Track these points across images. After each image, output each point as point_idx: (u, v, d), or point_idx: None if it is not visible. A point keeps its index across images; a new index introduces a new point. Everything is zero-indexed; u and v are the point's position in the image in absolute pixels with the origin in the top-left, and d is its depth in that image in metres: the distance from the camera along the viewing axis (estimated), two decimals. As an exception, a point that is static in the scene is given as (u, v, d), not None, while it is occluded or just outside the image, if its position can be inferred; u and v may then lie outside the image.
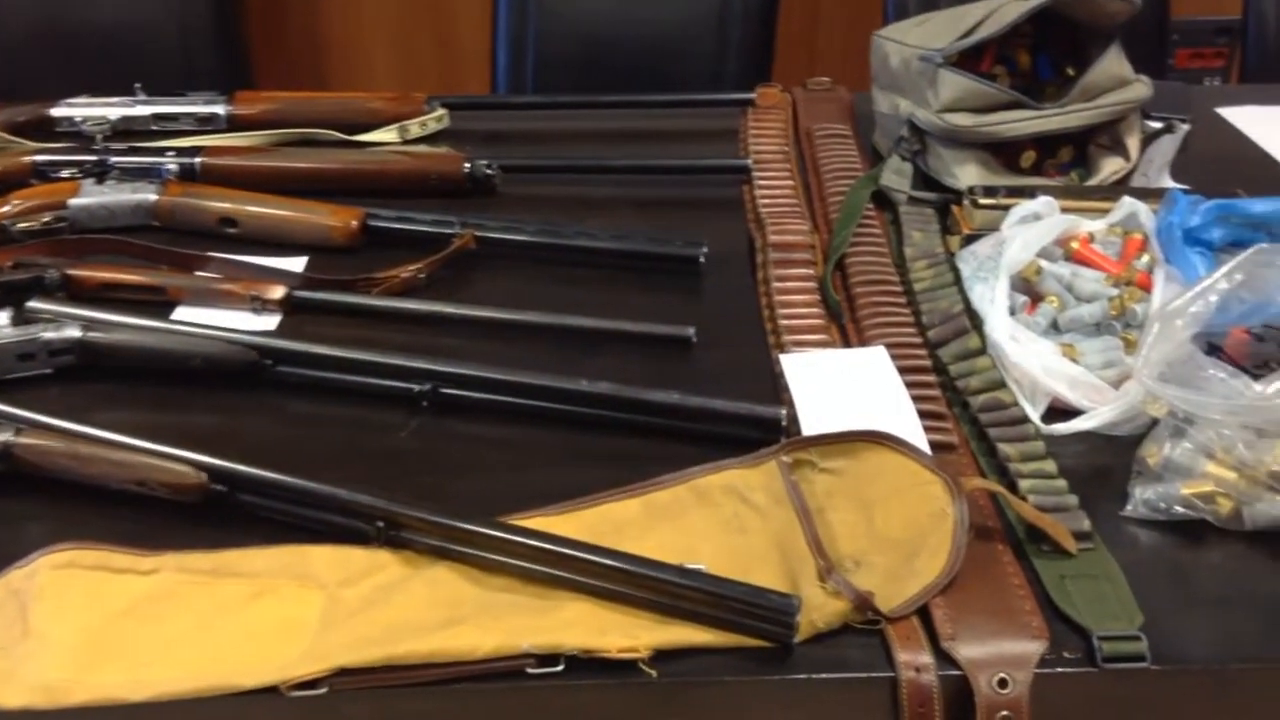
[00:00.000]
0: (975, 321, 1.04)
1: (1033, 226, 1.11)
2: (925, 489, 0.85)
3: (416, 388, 0.96)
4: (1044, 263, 1.10)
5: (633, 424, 0.96)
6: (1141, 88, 1.28)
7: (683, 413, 0.94)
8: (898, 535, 0.82)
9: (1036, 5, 1.24)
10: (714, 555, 0.80)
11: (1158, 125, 1.37)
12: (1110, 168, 1.27)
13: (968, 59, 1.31)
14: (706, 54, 1.89)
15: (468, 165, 1.29)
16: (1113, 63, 1.27)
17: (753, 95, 1.50)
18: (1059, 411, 0.96)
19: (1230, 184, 1.30)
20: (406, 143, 1.41)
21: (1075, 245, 1.12)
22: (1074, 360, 1.01)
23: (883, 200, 1.28)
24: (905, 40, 1.33)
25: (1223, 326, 0.96)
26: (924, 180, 1.30)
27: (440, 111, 1.44)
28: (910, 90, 1.31)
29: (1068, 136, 1.28)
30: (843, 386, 0.98)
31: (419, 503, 0.82)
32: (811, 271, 1.14)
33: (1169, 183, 1.31)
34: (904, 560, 0.80)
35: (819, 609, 0.76)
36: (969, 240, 1.18)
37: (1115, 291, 1.07)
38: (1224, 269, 0.91)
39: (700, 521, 0.84)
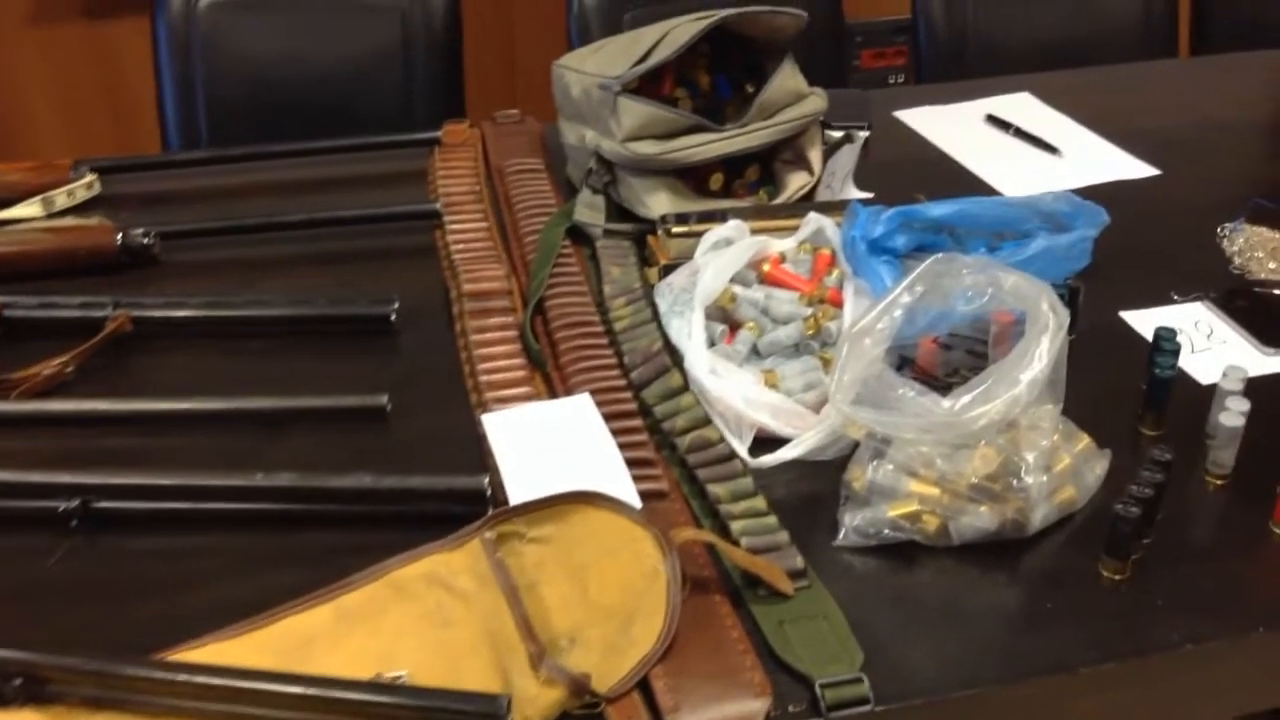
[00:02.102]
0: (676, 358, 1.01)
1: (724, 252, 1.10)
2: (637, 547, 0.81)
3: (62, 505, 0.84)
4: (739, 289, 1.08)
5: (324, 515, 0.87)
6: (817, 100, 1.29)
7: (377, 496, 0.87)
8: (613, 601, 0.78)
9: (706, 26, 1.23)
10: (417, 656, 0.74)
11: (839, 135, 1.39)
12: (796, 183, 1.28)
13: (649, 84, 1.29)
14: (393, 88, 1.80)
15: (120, 236, 1.17)
16: (787, 78, 1.27)
17: (438, 134, 1.43)
18: (768, 441, 0.95)
19: (913, 187, 1.34)
20: (52, 216, 1.26)
21: (767, 267, 1.11)
22: (774, 386, 1.00)
23: (582, 235, 1.24)
24: (584, 69, 1.30)
25: (912, 338, 0.97)
26: (620, 211, 1.27)
27: (90, 178, 1.30)
28: (594, 120, 1.28)
29: (753, 155, 1.28)
30: (548, 442, 0.93)
31: (66, 649, 0.71)
32: (511, 319, 1.09)
33: (854, 192, 1.34)
34: (620, 629, 0.76)
35: (533, 701, 0.70)
36: (667, 270, 1.15)
37: (809, 311, 1.06)
38: (905, 282, 0.92)
39: (400, 619, 0.76)
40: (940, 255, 0.92)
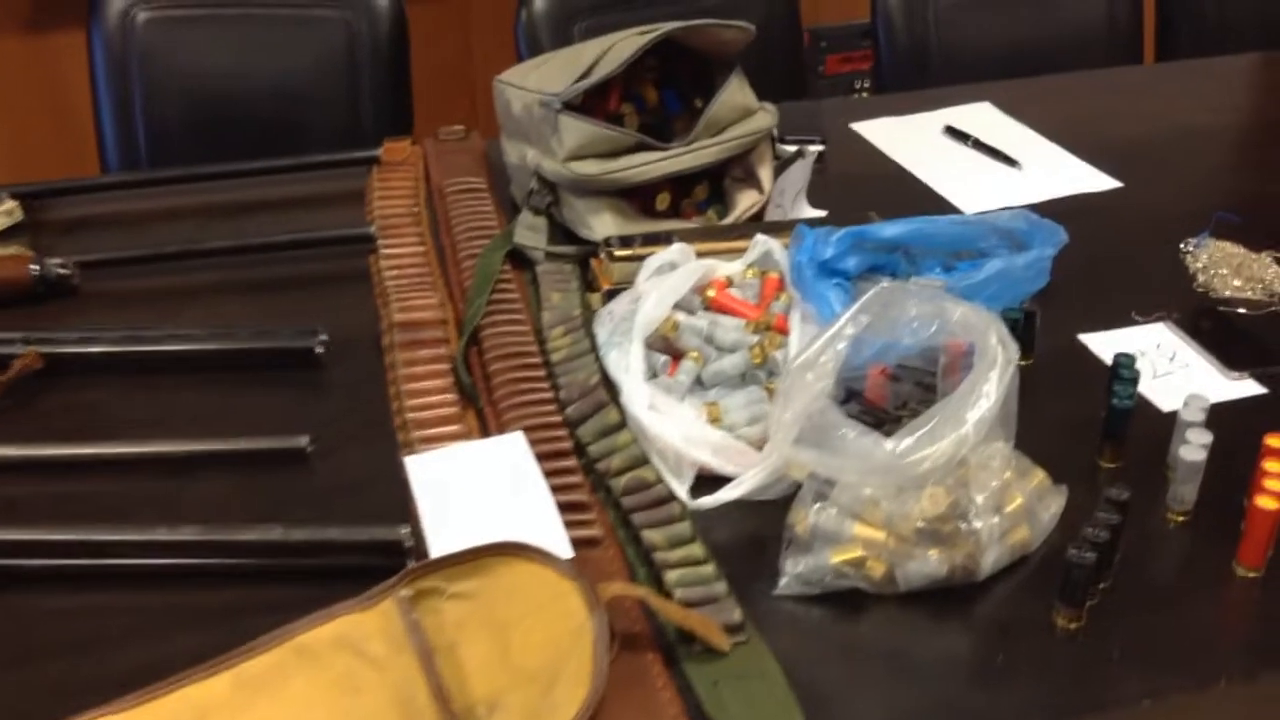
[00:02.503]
0: (615, 392, 0.96)
1: (668, 278, 1.05)
2: (564, 602, 0.76)
3: (-51, 566, 0.79)
4: (682, 316, 1.04)
5: (233, 570, 0.82)
6: (766, 116, 1.24)
7: (288, 550, 0.81)
8: (536, 663, 0.73)
9: (649, 41, 1.18)
10: (323, 729, 0.68)
11: (792, 150, 1.35)
12: (745, 202, 1.24)
13: (594, 99, 1.24)
14: (339, 102, 1.75)
15: (35, 267, 1.11)
16: (734, 93, 1.23)
17: (377, 152, 1.38)
18: (711, 479, 0.90)
19: (868, 203, 1.29)
20: (-32, 246, 1.20)
21: (712, 293, 1.07)
22: (718, 419, 0.95)
23: (524, 259, 1.19)
24: (525, 85, 1.25)
25: (860, 368, 0.92)
26: (564, 233, 1.22)
27: (9, 204, 1.24)
28: (535, 138, 1.23)
29: (701, 173, 1.24)
30: (476, 486, 0.88)
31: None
32: (444, 351, 1.04)
33: (808, 210, 1.29)
34: (543, 693, 0.71)
35: (445, 778, 0.65)
36: (610, 296, 1.10)
37: (755, 338, 1.02)
38: (849, 312, 0.87)
39: (305, 688, 0.71)
40: (885, 284, 0.88)
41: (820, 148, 1.42)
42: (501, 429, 0.95)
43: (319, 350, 1.04)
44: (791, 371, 0.86)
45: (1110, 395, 0.92)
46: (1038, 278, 1.10)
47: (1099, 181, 1.37)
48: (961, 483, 0.81)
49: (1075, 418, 0.98)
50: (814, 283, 1.02)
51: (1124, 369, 0.94)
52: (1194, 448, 0.86)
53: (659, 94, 1.31)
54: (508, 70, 1.32)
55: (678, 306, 1.06)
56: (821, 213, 1.29)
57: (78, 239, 1.24)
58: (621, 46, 1.21)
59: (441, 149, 1.43)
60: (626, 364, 0.95)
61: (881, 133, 1.50)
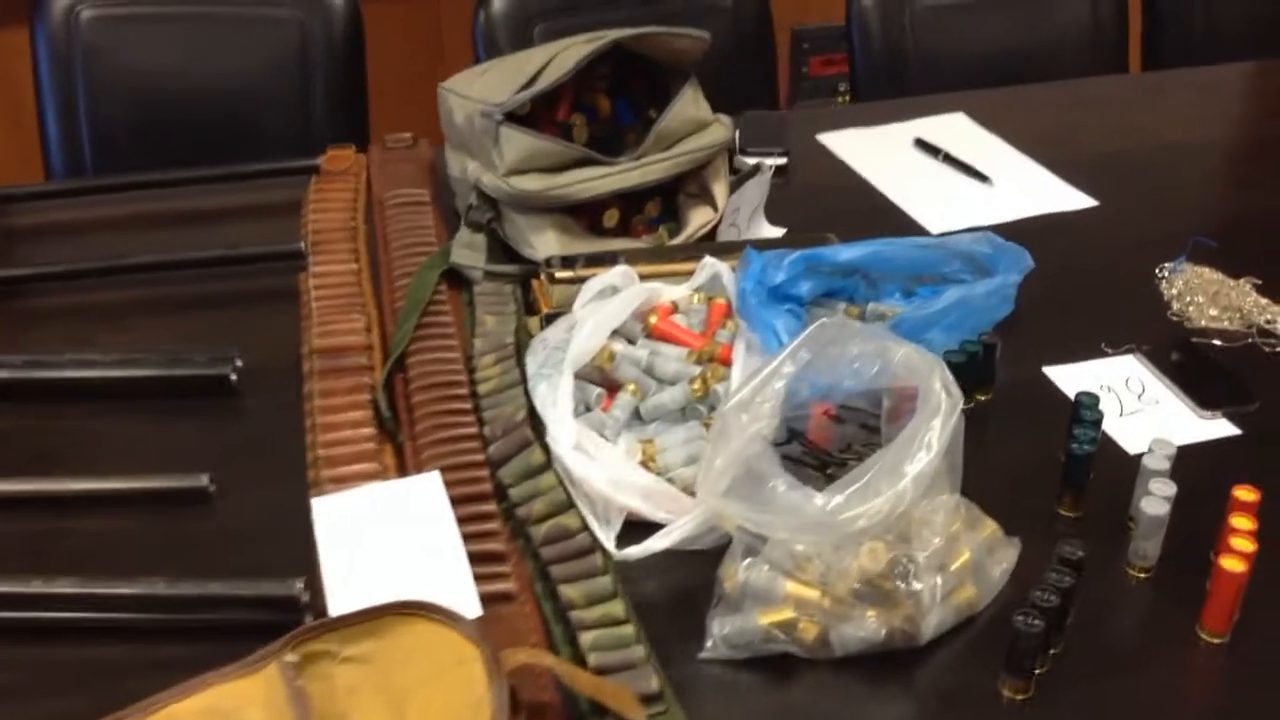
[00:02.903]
0: (542, 429, 0.90)
1: (607, 303, 0.99)
2: (466, 669, 0.69)
3: None
4: (620, 345, 0.97)
5: (115, 626, 0.76)
6: (721, 130, 1.18)
7: (175, 605, 0.75)
8: (433, 737, 0.67)
9: (595, 49, 1.12)
10: (189, 813, 0.62)
11: (751, 163, 1.29)
12: (698, 220, 1.17)
13: (542, 109, 1.18)
14: (291, 106, 1.68)
15: (-64, 286, 1.05)
16: (687, 105, 1.16)
17: (318, 161, 1.32)
18: (642, 525, 0.84)
19: (831, 220, 1.23)
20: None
21: (654, 319, 1.00)
22: (652, 458, 0.89)
23: (463, 279, 1.12)
24: (468, 93, 1.18)
25: (804, 406, 0.86)
26: (506, 251, 1.16)
27: (-80, 215, 1.18)
28: (477, 150, 1.17)
29: (653, 189, 1.17)
30: (385, 533, 0.81)
31: None
32: (366, 380, 0.98)
33: (766, 228, 1.23)
34: (436, 773, 0.65)
35: None
36: (550, 320, 1.04)
37: (698, 370, 0.96)
38: (788, 349, 0.81)
39: (171, 767, 0.65)
40: (825, 321, 0.82)
41: (782, 160, 1.36)
42: (420, 467, 0.89)
43: (233, 378, 0.98)
44: (725, 413, 0.80)
45: (1070, 439, 0.86)
46: (1000, 305, 1.03)
47: (1073, 199, 1.30)
48: (903, 537, 0.75)
49: (1035, 459, 0.92)
50: (760, 311, 0.96)
51: (1086, 410, 0.87)
52: (1157, 500, 0.80)
53: (611, 103, 1.24)
54: (453, 77, 1.26)
55: (617, 334, 1.00)
56: (779, 231, 1.23)
57: (-4, 252, 1.18)
58: (568, 54, 1.15)
59: (387, 158, 1.36)
60: (554, 398, 0.89)
61: (849, 145, 1.43)
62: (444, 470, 0.87)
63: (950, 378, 0.76)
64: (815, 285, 1.06)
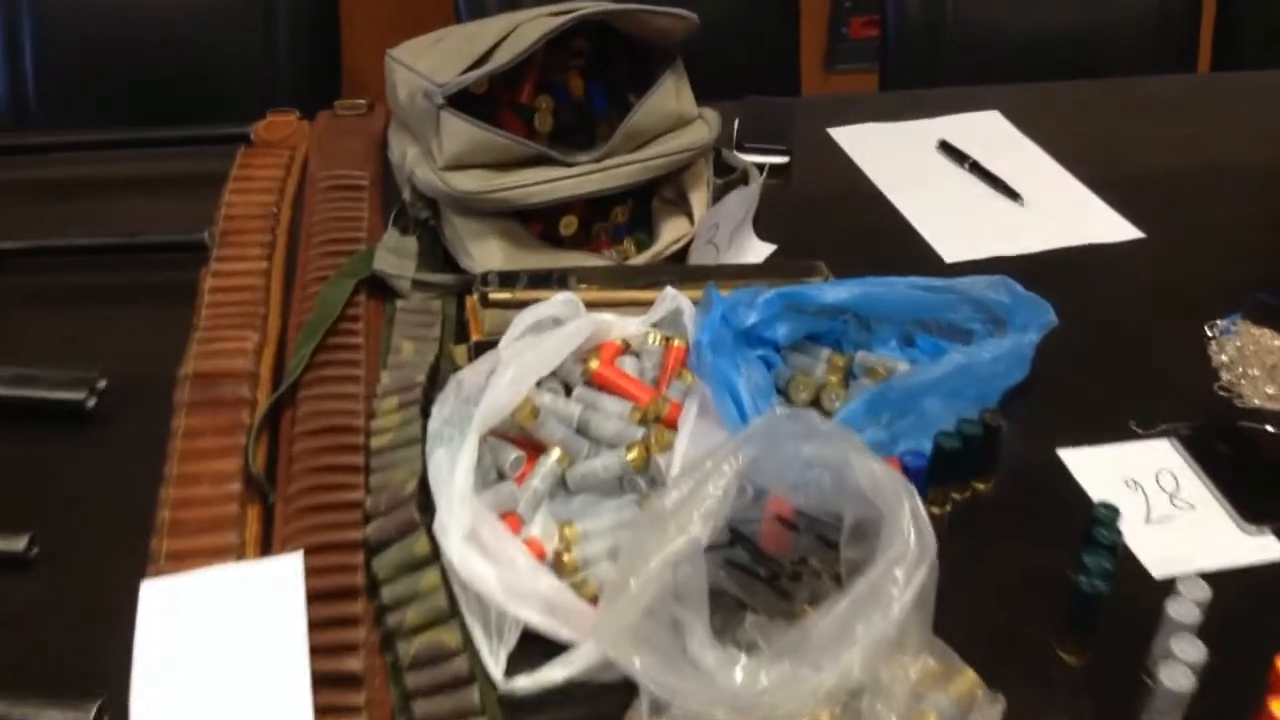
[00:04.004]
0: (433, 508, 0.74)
1: (540, 342, 0.82)
2: None
3: None
4: (547, 398, 0.81)
5: None
6: (703, 129, 1.01)
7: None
8: None
9: (559, 25, 0.94)
10: None
11: (743, 160, 1.11)
12: (673, 233, 1.00)
13: (501, 88, 1.00)
14: (253, 51, 1.52)
15: None
16: (666, 97, 0.99)
17: (248, 129, 1.15)
18: (543, 642, 0.68)
19: (830, 236, 1.07)
20: None
21: (595, 364, 0.84)
22: (569, 547, 0.73)
23: (389, 289, 0.96)
24: (416, 66, 1.01)
25: (755, 503, 0.70)
26: (447, 257, 1.00)
27: None
28: (419, 135, 1.00)
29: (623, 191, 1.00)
30: (218, 638, 0.66)
31: None
32: (245, 419, 0.82)
33: (753, 245, 1.06)
34: None
35: None
36: (480, 350, 0.88)
37: (640, 432, 0.80)
38: (730, 445, 0.65)
39: None
40: (776, 414, 0.65)
41: (783, 159, 1.18)
42: (286, 542, 0.73)
43: (90, 405, 0.83)
44: (646, 518, 0.64)
45: (1078, 568, 0.69)
46: (1013, 370, 0.86)
47: (1115, 229, 1.12)
48: (853, 709, 0.59)
49: (1037, 571, 0.75)
50: (717, 368, 0.79)
51: (1101, 529, 0.71)
52: (1179, 669, 0.63)
53: (585, 85, 1.07)
54: (405, 43, 1.08)
55: (559, 374, 0.84)
56: (768, 248, 1.06)
57: None
58: (529, 28, 0.97)
59: (333, 127, 1.19)
60: (452, 469, 0.73)
61: (864, 142, 1.25)
62: (312, 551, 0.71)
63: (923, 515, 0.59)
64: (795, 327, 0.89)
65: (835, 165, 1.21)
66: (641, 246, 1.02)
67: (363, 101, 1.23)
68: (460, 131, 0.94)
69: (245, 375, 0.84)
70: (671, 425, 0.80)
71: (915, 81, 1.61)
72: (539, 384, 0.82)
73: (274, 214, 1.04)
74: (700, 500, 0.64)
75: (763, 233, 1.07)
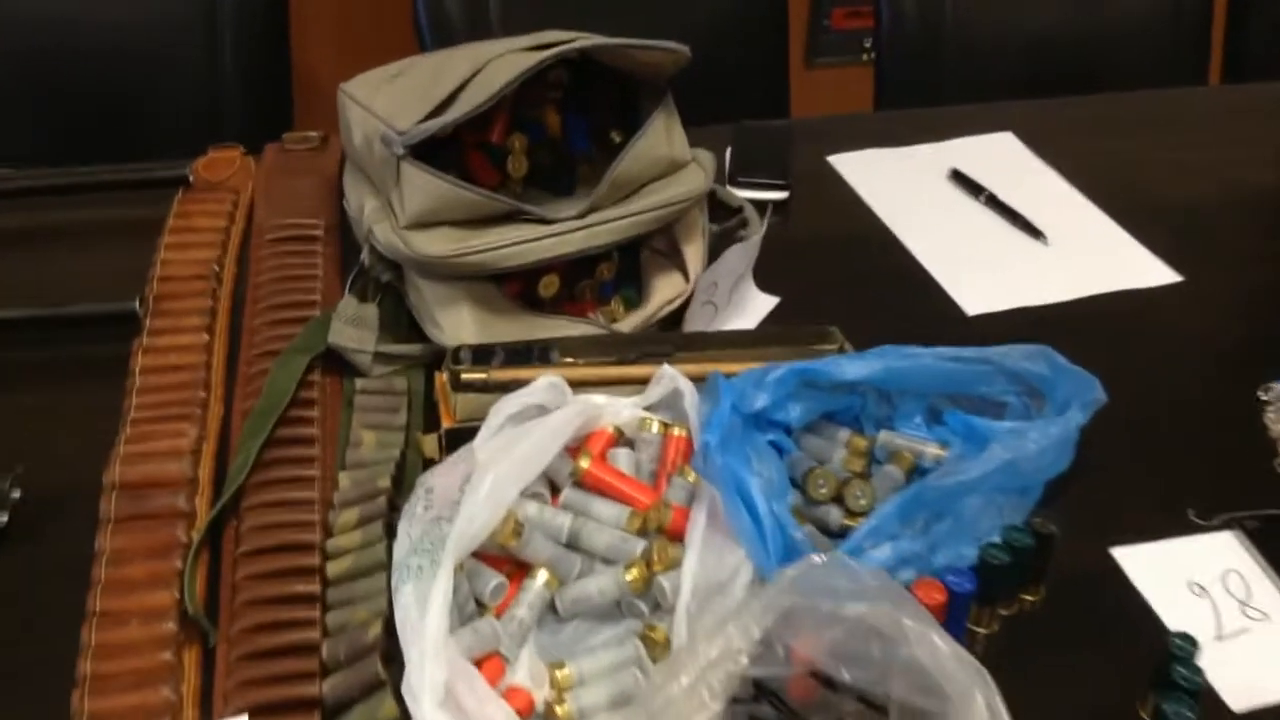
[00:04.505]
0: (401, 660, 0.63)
1: (520, 440, 0.71)
2: None
3: None
4: (531, 508, 0.71)
5: None
6: (697, 175, 0.90)
7: None
8: None
9: (533, 66, 0.83)
10: None
11: (740, 196, 1.01)
12: (665, 293, 0.89)
13: (468, 128, 0.89)
14: (195, 74, 1.39)
15: None
16: (656, 140, 0.88)
17: (185, 169, 1.03)
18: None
19: (840, 287, 0.97)
20: None
21: (585, 463, 0.73)
22: (563, 696, 0.63)
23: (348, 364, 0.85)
24: (371, 105, 0.90)
25: (781, 651, 0.60)
26: (413, 324, 0.88)
27: None
28: (380, 185, 0.89)
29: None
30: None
31: None
32: (181, 535, 0.71)
33: (754, 298, 0.95)
34: None
35: None
36: (453, 441, 0.77)
37: (640, 545, 0.69)
38: (756, 602, 0.54)
39: None
40: (814, 561, 0.55)
41: (782, 195, 1.08)
42: (228, 699, 0.62)
43: (2, 523, 0.71)
44: (655, 672, 0.54)
45: (1156, 716, 0.60)
46: (1059, 460, 0.76)
47: (1150, 271, 1.02)
48: None
49: (1097, 698, 0.65)
50: (723, 472, 0.68)
51: (1180, 669, 0.61)
52: None
53: (563, 121, 0.96)
54: (359, 75, 0.97)
55: (548, 473, 0.73)
56: (771, 301, 0.95)
57: None
58: (499, 66, 0.86)
59: (282, 166, 1.07)
60: (423, 610, 0.62)
61: (868, 171, 1.14)
62: (259, 714, 0.61)
63: (999, 703, 0.49)
64: (810, 407, 0.79)
65: (838, 199, 1.10)
66: (630, 305, 0.91)
67: (315, 134, 1.11)
68: (424, 185, 0.82)
69: (181, 483, 0.73)
70: (675, 536, 0.70)
71: (912, 84, 1.51)
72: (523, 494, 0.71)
73: (215, 273, 0.93)
74: (726, 654, 0.53)
75: (763, 282, 0.96)
